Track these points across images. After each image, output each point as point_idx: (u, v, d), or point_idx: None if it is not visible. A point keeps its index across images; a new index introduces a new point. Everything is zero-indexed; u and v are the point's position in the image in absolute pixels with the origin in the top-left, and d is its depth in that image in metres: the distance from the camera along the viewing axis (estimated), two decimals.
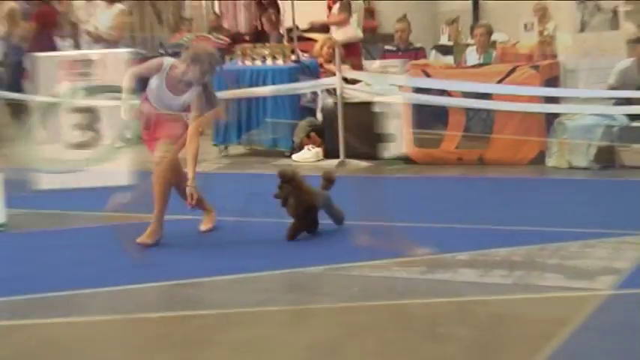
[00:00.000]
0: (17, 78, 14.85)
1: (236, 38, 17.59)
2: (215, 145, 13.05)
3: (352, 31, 15.07)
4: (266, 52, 12.90)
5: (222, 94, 12.62)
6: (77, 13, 14.50)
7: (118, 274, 7.65)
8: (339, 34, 14.81)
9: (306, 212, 8.34)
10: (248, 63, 12.92)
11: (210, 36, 19.66)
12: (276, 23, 16.66)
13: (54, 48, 15.15)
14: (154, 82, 8.49)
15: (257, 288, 7.24)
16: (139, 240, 8.35)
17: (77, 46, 14.79)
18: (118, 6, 13.92)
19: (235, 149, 13.00)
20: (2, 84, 16.20)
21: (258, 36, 16.71)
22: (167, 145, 8.40)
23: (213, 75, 8.62)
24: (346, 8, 15.01)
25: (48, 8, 15.32)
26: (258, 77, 12.64)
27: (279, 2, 18.29)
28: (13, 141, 14.71)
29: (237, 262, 7.84)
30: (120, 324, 6.64)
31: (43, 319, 6.70)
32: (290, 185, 8.24)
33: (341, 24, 15.02)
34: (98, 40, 13.69)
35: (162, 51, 20.09)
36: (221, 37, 19.47)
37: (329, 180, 8.62)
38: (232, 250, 8.19)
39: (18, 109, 14.82)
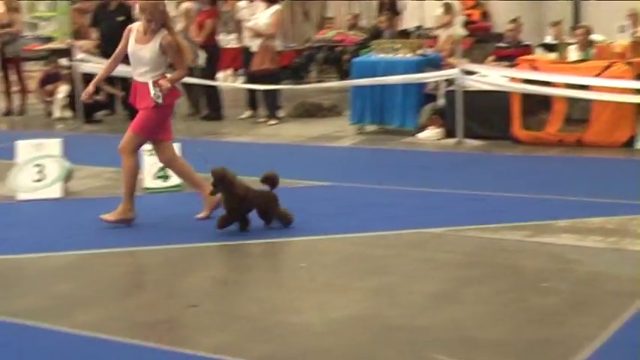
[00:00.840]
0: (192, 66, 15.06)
1: (373, 34, 17.48)
2: (352, 124, 13.07)
3: (457, 30, 14.92)
4: (397, 46, 12.87)
5: (356, 83, 12.80)
6: (241, 12, 14.61)
7: (269, 228, 7.80)
8: (443, 36, 14.69)
9: (236, 206, 7.63)
10: (382, 55, 12.90)
11: (349, 32, 19.73)
12: (391, 22, 16.60)
13: (216, 42, 15.31)
14: (129, 45, 8.07)
15: (388, 244, 7.28)
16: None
17: (240, 40, 14.92)
18: (275, 6, 14.00)
19: (369, 128, 13.00)
20: None
21: (377, 33, 16.66)
22: (132, 136, 8.03)
23: (155, 21, 7.84)
24: (449, 10, 14.84)
25: (213, 8, 15.36)
26: (390, 68, 12.61)
27: (400, 5, 18.35)
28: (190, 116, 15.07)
29: (371, 222, 7.89)
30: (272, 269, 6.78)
31: (212, 262, 6.88)
32: (221, 183, 7.63)
33: (446, 26, 14.88)
34: (257, 35, 13.80)
35: (308, 44, 20.28)
36: (358, 33, 19.52)
37: (270, 182, 7.79)
38: (364, 213, 8.22)
39: (193, 91, 15.14)
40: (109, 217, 7.98)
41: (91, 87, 8.48)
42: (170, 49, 7.91)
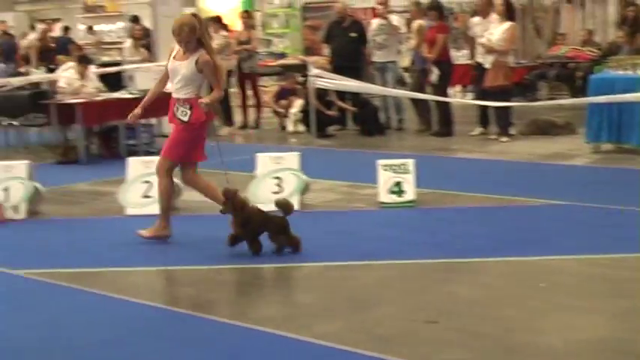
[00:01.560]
0: (421, 82, 15.14)
1: (609, 50, 17.03)
2: (587, 142, 12.73)
3: None
4: (638, 62, 12.45)
5: (594, 100, 12.44)
6: (474, 28, 14.52)
7: (505, 246, 7.71)
8: None
9: (241, 228, 7.65)
10: (621, 72, 12.52)
11: (583, 49, 19.28)
12: (631, 38, 16.06)
13: (450, 57, 15.29)
14: (169, 62, 8.26)
15: (631, 266, 7.04)
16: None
17: (472, 57, 14.84)
18: (509, 22, 13.84)
19: (606, 146, 12.63)
20: (407, 85, 16.65)
21: (614, 49, 16.16)
22: (163, 164, 8.22)
23: (191, 41, 7.96)
24: None
25: (441, 23, 15.28)
26: (630, 85, 12.17)
27: None
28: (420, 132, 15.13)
29: (611, 244, 7.66)
30: (511, 288, 6.69)
31: (451, 278, 6.85)
32: (230, 203, 7.67)
33: None
34: (490, 50, 13.69)
35: (540, 61, 19.98)
36: (592, 49, 19.06)
37: (282, 208, 7.72)
38: (602, 234, 8.02)
39: (423, 107, 15.22)
40: (145, 232, 8.22)
41: (138, 110, 8.42)
42: (206, 67, 7.99)
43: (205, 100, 7.98)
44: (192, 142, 8.20)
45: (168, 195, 8.34)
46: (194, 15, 8.16)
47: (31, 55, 22.39)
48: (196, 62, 8.01)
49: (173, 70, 8.16)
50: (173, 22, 8.20)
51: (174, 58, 8.21)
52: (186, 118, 8.02)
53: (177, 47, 8.23)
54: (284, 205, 7.76)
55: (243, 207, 7.74)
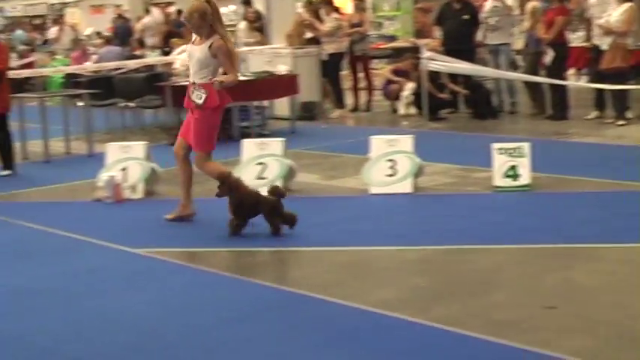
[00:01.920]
0: (535, 65, 14.89)
1: None
2: None
3: None
4: None
5: None
6: (591, 9, 14.21)
7: (623, 232, 7.50)
8: None
9: (237, 209, 7.85)
10: None
11: None
12: None
13: (566, 39, 14.94)
14: (188, 48, 8.47)
15: None
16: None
17: (588, 39, 14.53)
18: (628, 3, 13.49)
19: None
20: (520, 68, 16.40)
21: None
22: (198, 158, 8.34)
23: (202, 27, 8.11)
24: None
25: (562, 5, 14.94)
26: None
27: None
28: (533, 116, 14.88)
29: None
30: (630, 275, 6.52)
31: (567, 264, 6.72)
32: (225, 186, 7.85)
33: None
34: (608, 32, 13.38)
35: None
36: None
37: (274, 194, 7.85)
38: None
39: (536, 90, 14.96)
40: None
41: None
42: (219, 52, 8.10)
43: (220, 78, 8.14)
44: (212, 126, 8.32)
45: (212, 169, 8.48)
46: (207, 1, 8.27)
47: (144, 37, 22.76)
48: (210, 47, 8.15)
49: (190, 55, 8.39)
50: (190, 9, 8.33)
51: (192, 43, 8.41)
52: (200, 101, 8.17)
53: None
54: (276, 190, 7.93)
55: (238, 189, 7.92)
